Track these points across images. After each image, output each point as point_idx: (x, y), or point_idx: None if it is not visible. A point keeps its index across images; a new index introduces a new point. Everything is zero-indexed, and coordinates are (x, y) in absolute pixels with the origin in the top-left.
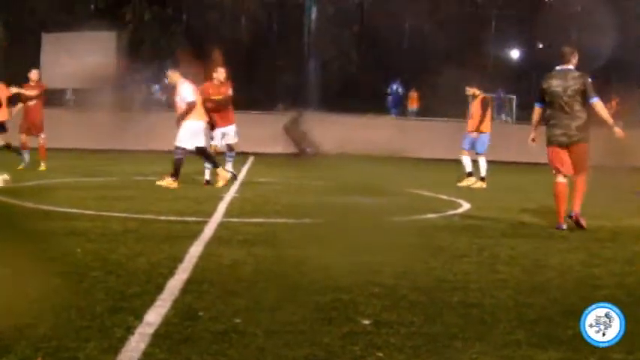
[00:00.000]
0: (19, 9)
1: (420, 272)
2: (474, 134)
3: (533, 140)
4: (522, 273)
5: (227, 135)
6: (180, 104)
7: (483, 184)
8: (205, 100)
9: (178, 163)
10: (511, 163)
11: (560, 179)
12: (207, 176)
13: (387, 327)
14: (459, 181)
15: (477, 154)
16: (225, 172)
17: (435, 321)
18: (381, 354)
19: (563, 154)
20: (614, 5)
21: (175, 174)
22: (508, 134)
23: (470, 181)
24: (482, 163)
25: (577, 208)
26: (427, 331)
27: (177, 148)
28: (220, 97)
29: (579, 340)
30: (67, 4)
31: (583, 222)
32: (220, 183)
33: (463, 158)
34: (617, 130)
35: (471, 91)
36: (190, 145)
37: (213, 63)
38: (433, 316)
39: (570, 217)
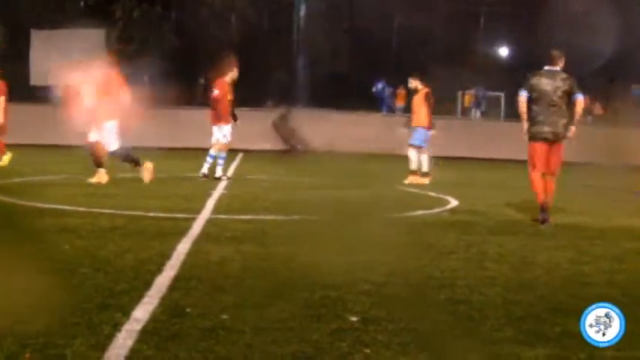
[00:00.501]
0: (11, 7)
1: (408, 269)
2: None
3: (529, 131)
4: (510, 270)
5: (227, 134)
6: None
7: (417, 177)
8: (223, 98)
9: (128, 157)
10: (499, 160)
11: (537, 173)
12: (205, 170)
13: (374, 324)
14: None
15: (410, 145)
16: (104, 175)
17: (423, 318)
18: (368, 350)
19: (545, 152)
20: (608, 5)
21: (136, 162)
22: (496, 132)
23: (425, 180)
24: (413, 156)
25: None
26: (414, 327)
27: (113, 152)
28: (232, 98)
29: (567, 337)
30: (57, 2)
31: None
32: (93, 180)
33: (420, 156)
34: (573, 129)
35: (413, 83)
36: (120, 143)
37: (228, 63)
38: (421, 312)
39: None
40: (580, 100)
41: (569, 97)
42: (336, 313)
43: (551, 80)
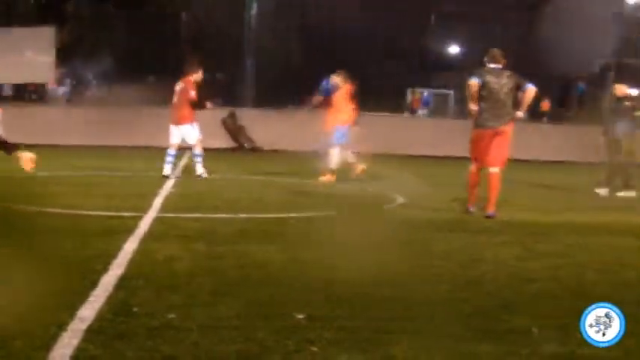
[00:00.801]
0: None
1: (354, 267)
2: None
3: (474, 111)
4: (457, 267)
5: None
6: None
7: (332, 178)
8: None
9: None
10: (447, 158)
11: (475, 168)
12: (200, 170)
13: (321, 321)
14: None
15: (335, 144)
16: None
17: (369, 315)
18: (314, 348)
19: (487, 141)
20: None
21: None
22: (446, 129)
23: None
24: (335, 155)
25: (492, 208)
26: (361, 325)
27: None
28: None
29: (514, 333)
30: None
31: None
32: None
33: (348, 155)
34: (520, 113)
35: (335, 80)
36: None
37: (194, 64)
38: (368, 309)
39: (488, 216)
40: (531, 88)
41: (514, 93)
42: (283, 311)
43: (498, 79)
